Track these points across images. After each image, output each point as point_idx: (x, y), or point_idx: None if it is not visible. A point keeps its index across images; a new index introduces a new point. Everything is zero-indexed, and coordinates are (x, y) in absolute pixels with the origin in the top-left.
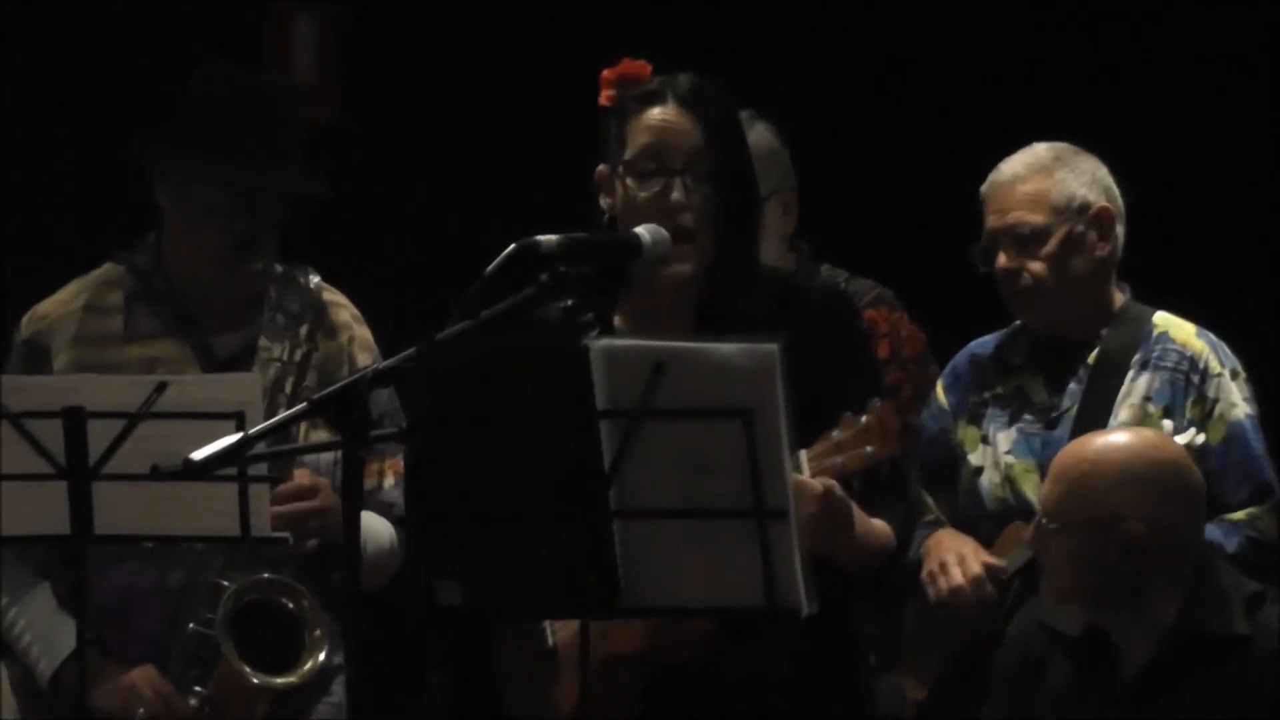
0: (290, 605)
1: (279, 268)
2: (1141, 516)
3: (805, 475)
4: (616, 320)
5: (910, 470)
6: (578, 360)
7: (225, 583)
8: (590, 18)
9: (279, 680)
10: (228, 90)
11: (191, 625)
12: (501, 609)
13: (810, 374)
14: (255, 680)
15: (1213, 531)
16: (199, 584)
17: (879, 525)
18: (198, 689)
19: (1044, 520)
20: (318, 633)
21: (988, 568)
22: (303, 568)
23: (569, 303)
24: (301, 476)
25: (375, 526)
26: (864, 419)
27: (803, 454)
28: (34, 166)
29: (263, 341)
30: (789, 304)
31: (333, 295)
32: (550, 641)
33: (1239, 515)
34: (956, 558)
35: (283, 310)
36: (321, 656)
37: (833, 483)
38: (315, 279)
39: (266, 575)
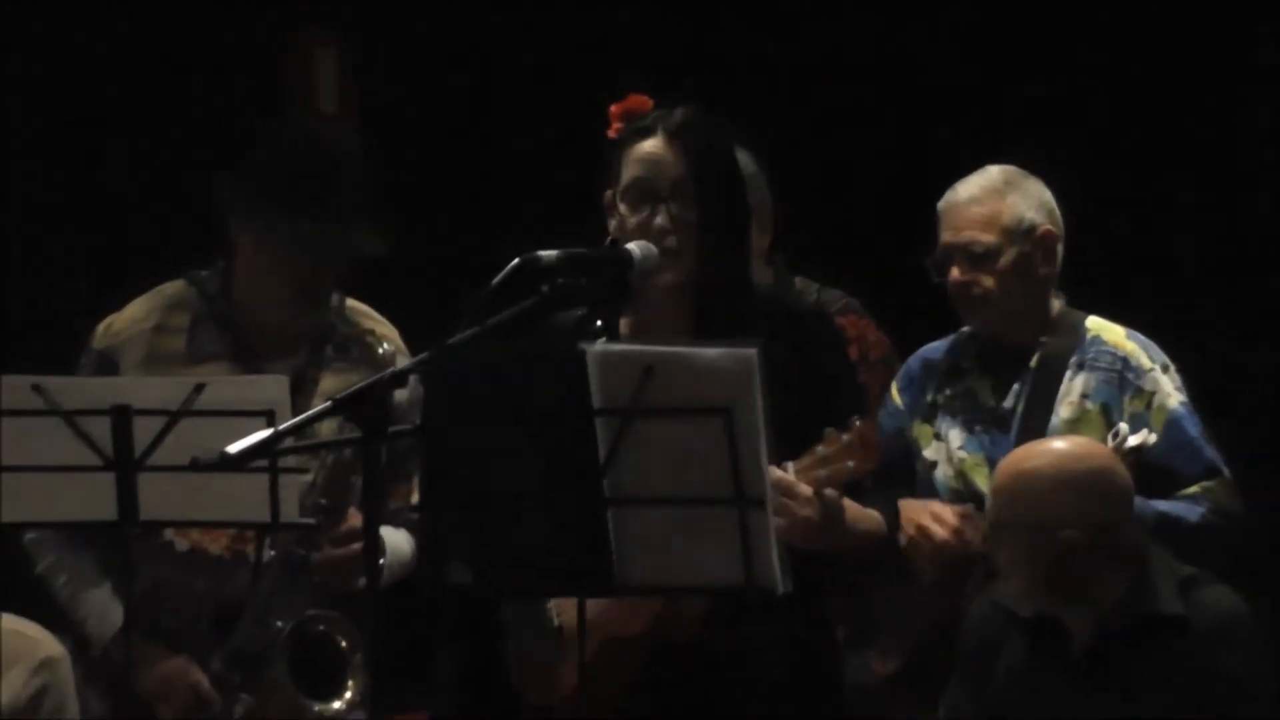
0: (342, 641)
1: (335, 303)
2: (1079, 521)
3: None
4: (623, 328)
5: (889, 470)
6: (575, 364)
7: (280, 623)
8: (594, 45)
9: (321, 706)
10: (308, 148)
11: (241, 633)
12: (506, 588)
13: (797, 390)
14: (303, 703)
15: (1175, 507)
16: (249, 606)
17: (872, 514)
18: (243, 695)
19: (991, 529)
20: (359, 664)
21: (963, 518)
22: (350, 603)
23: (581, 312)
24: (353, 518)
25: (397, 539)
26: (845, 436)
27: (790, 465)
28: (82, 184)
29: (315, 373)
30: (779, 318)
31: (372, 322)
32: (555, 623)
33: (1194, 490)
34: (931, 516)
35: (333, 344)
36: (359, 691)
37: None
38: (350, 302)
39: (325, 612)
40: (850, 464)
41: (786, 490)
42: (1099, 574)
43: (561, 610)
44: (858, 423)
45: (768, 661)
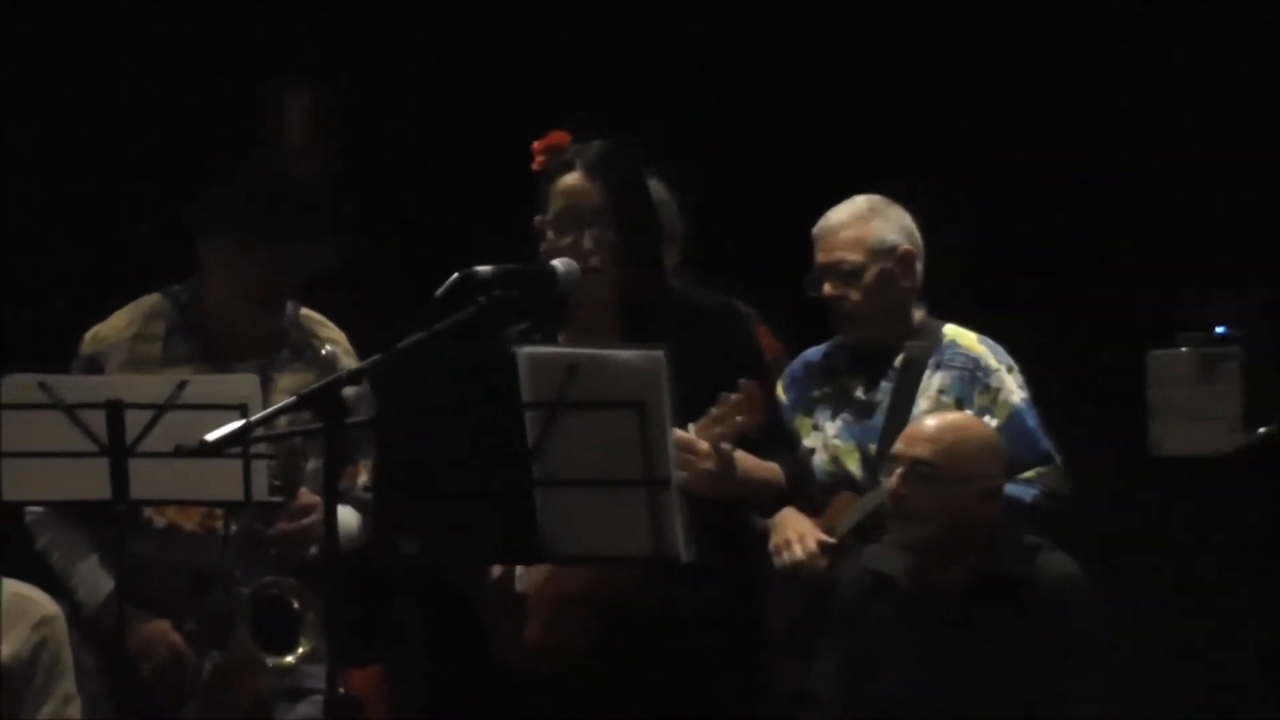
0: (295, 603)
1: (290, 311)
2: (989, 478)
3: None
4: (561, 337)
5: (790, 430)
6: (508, 364)
7: (244, 589)
8: (527, 83)
9: (277, 660)
10: (267, 179)
11: (211, 598)
12: (448, 558)
13: (708, 369)
14: (262, 658)
15: (1014, 489)
16: (218, 574)
17: (769, 465)
18: (213, 651)
19: (921, 467)
20: (312, 622)
21: (820, 544)
22: (304, 570)
23: (524, 325)
24: (304, 496)
25: (345, 515)
26: (734, 396)
27: (691, 427)
28: (80, 212)
29: (274, 373)
30: (689, 313)
31: (323, 328)
32: (519, 588)
33: (1030, 474)
34: (796, 535)
35: (290, 348)
36: (313, 645)
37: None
38: (303, 310)
39: (280, 578)
40: (740, 419)
41: (688, 447)
42: (977, 529)
43: (521, 576)
44: (744, 383)
45: (700, 620)
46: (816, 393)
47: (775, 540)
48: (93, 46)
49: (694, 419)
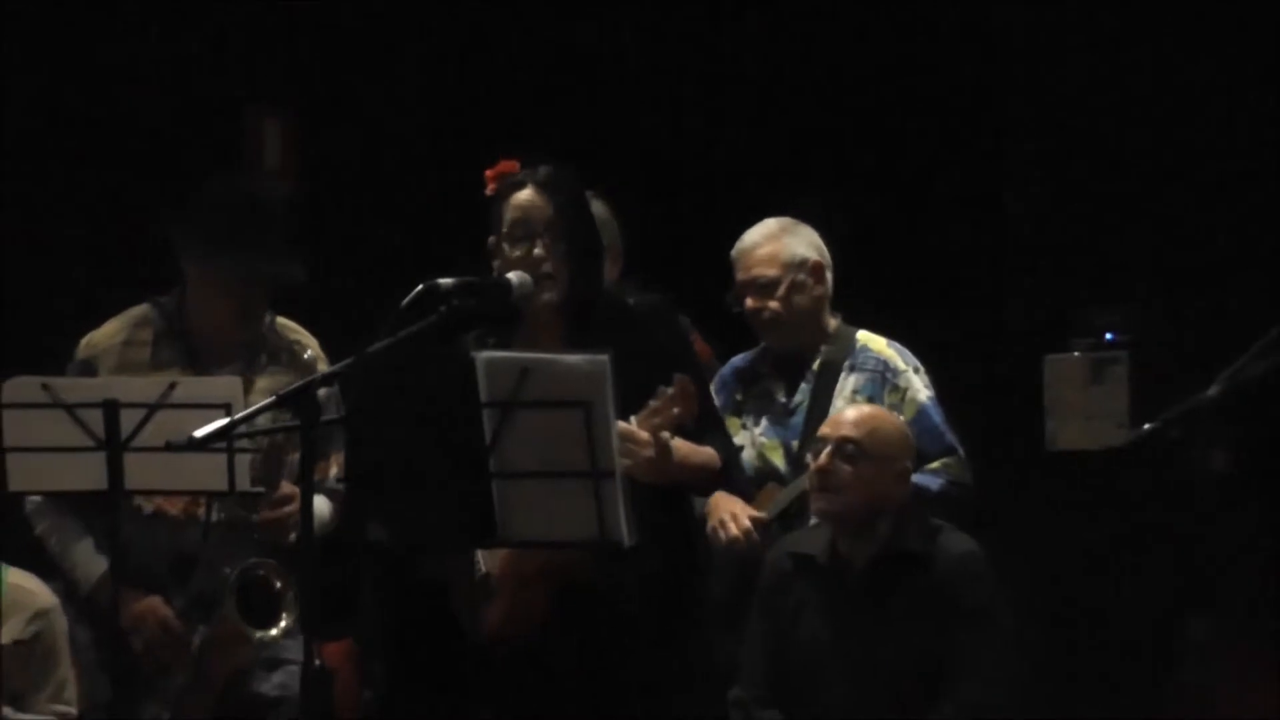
0: (276, 582)
1: (266, 320)
2: (904, 459)
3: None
4: (513, 341)
5: (721, 418)
6: (467, 367)
7: (229, 570)
8: (481, 112)
9: (261, 633)
10: (242, 199)
11: (195, 578)
12: (412, 544)
13: (646, 367)
14: (247, 631)
15: (921, 477)
16: (202, 557)
17: (705, 450)
18: (201, 627)
19: (848, 445)
20: (290, 599)
21: (753, 520)
22: (283, 554)
23: (479, 331)
24: (285, 486)
25: (318, 504)
26: (670, 390)
27: (632, 419)
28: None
29: (252, 376)
30: (627, 316)
31: (297, 334)
32: (482, 570)
33: (935, 465)
34: (730, 515)
35: (266, 352)
36: (292, 620)
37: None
38: (279, 319)
39: (263, 559)
40: (676, 410)
41: (630, 437)
42: (884, 509)
43: (484, 560)
44: (679, 378)
45: (644, 595)
46: (743, 396)
47: (711, 521)
48: (95, 74)
49: (632, 410)
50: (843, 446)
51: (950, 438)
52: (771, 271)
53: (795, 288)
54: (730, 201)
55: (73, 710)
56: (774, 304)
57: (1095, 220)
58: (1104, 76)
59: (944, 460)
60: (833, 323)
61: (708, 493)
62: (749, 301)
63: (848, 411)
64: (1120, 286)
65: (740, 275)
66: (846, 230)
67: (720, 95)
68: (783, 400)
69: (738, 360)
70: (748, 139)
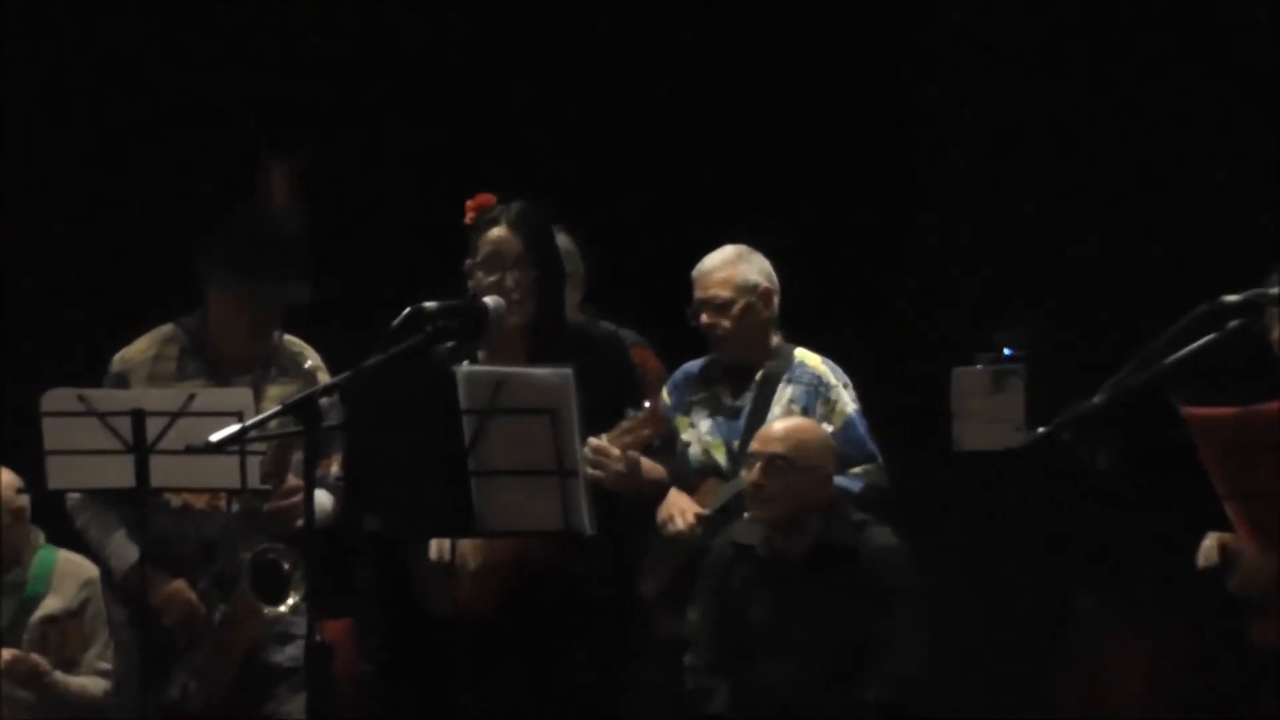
0: (285, 565)
1: (276, 337)
2: (827, 465)
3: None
4: (481, 356)
5: (674, 442)
6: (449, 380)
7: (245, 554)
8: (461, 147)
9: (272, 609)
10: (257, 230)
11: (217, 562)
12: (403, 533)
13: (598, 388)
14: (261, 608)
15: (842, 481)
16: (222, 543)
17: (659, 467)
18: (221, 605)
19: (778, 461)
20: (298, 579)
21: (697, 516)
22: (291, 539)
23: (450, 345)
24: (291, 480)
25: (321, 497)
26: (641, 414)
27: (604, 436)
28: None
29: (264, 386)
30: (585, 342)
31: (300, 347)
32: (448, 557)
33: (857, 470)
34: (679, 510)
35: (276, 365)
36: (299, 599)
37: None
38: (286, 336)
39: (274, 544)
40: (646, 432)
41: (603, 453)
42: (816, 509)
43: (448, 547)
44: (648, 404)
45: (599, 578)
46: (693, 398)
47: (661, 515)
48: (114, 112)
49: (588, 420)
50: (773, 461)
51: (871, 446)
52: (726, 293)
53: (746, 310)
54: (683, 233)
55: (109, 666)
56: (726, 323)
57: (998, 245)
58: (1012, 98)
59: (865, 466)
60: (775, 340)
61: (656, 503)
62: (704, 318)
63: (774, 427)
64: (1017, 308)
65: (699, 294)
66: (782, 256)
67: (673, 139)
68: (729, 404)
69: (690, 365)
70: (693, 176)
